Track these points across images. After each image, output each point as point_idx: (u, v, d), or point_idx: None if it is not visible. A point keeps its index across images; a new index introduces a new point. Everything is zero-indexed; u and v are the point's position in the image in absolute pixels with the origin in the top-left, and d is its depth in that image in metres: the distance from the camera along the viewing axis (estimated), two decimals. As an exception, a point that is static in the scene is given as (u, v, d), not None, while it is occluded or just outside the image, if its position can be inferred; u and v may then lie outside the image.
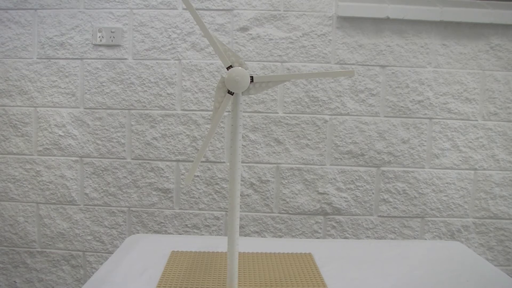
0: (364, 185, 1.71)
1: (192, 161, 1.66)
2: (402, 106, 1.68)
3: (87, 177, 1.73)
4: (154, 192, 1.73)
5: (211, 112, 1.69)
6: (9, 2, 1.68)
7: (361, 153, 1.69)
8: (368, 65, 1.67)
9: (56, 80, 1.71)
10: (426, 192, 1.70)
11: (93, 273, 1.69)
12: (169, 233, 1.74)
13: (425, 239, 1.72)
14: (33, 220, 1.76)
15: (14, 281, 1.78)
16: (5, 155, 1.74)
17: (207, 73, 1.68)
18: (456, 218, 1.72)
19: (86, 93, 1.70)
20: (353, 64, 1.67)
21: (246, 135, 1.70)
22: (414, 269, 1.02)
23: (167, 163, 1.71)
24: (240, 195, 1.60)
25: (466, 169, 1.70)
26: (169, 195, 1.73)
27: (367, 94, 1.67)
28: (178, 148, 1.71)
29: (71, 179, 1.74)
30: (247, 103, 1.68)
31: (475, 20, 1.62)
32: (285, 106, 1.68)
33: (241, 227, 1.73)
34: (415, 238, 1.73)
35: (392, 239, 1.72)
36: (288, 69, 1.67)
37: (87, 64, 1.70)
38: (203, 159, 1.71)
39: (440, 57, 1.66)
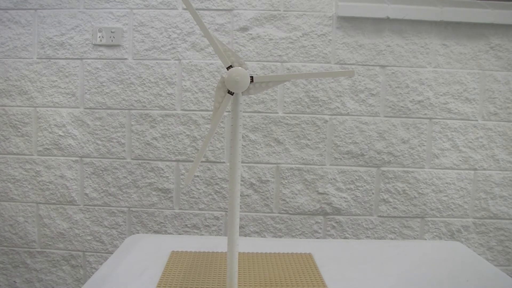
0: (364, 185, 1.71)
1: (192, 161, 1.66)
2: (402, 106, 1.68)
3: (87, 177, 1.73)
4: (154, 192, 1.73)
5: (211, 112, 1.69)
6: (9, 2, 1.68)
7: (361, 153, 1.69)
8: (368, 65, 1.67)
9: (56, 80, 1.71)
10: (426, 192, 1.70)
11: (93, 273, 1.69)
12: (169, 233, 1.74)
13: (425, 239, 1.72)
14: (33, 220, 1.76)
15: (14, 281, 1.78)
16: (5, 155, 1.74)
17: (207, 73, 1.68)
18: (456, 218, 1.72)
19: (86, 93, 1.70)
20: (353, 64, 1.67)
21: (246, 135, 1.70)
22: (414, 269, 1.02)
23: (167, 163, 1.71)
24: (240, 195, 1.60)
25: (466, 169, 1.70)
26: (169, 195, 1.73)
27: (367, 94, 1.67)
28: (178, 148, 1.71)
29: (71, 179, 1.74)
30: (247, 103, 1.68)
31: (475, 20, 1.62)
32: (285, 106, 1.68)
33: (241, 227, 1.73)
34: (415, 238, 1.73)
35: (392, 239, 1.72)
36: (288, 69, 1.67)
37: (87, 64, 1.70)
38: (203, 159, 1.71)
39: (440, 57, 1.66)
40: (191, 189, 1.72)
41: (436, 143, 1.69)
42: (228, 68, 0.79)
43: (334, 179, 1.70)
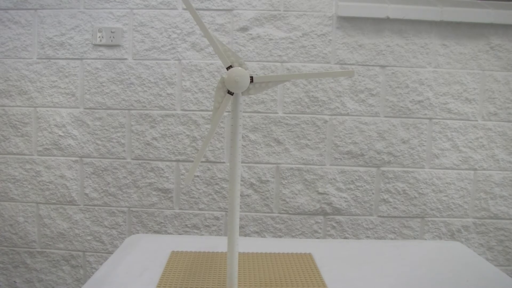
0: (364, 185, 1.71)
1: (192, 161, 1.66)
2: (402, 106, 1.68)
3: (87, 177, 1.73)
4: (154, 192, 1.73)
5: (211, 112, 1.69)
6: (9, 2, 1.68)
7: (361, 153, 1.69)
8: (368, 65, 1.67)
9: (56, 80, 1.71)
10: (426, 192, 1.70)
11: (93, 273, 1.69)
12: (169, 233, 1.74)
13: (425, 239, 1.72)
14: (33, 220, 1.76)
15: (14, 281, 1.78)
16: (5, 155, 1.74)
17: (207, 73, 1.68)
18: (456, 218, 1.72)
19: (86, 93, 1.70)
20: (353, 64, 1.67)
21: (246, 135, 1.70)
22: (414, 269, 1.02)
23: (167, 163, 1.71)
24: (240, 195, 1.60)
25: (466, 169, 1.70)
26: (169, 195, 1.73)
27: (367, 94, 1.67)
28: (178, 148, 1.71)
29: (71, 179, 1.74)
30: (247, 103, 1.68)
31: (475, 20, 1.62)
32: (285, 106, 1.68)
33: (241, 227, 1.73)
34: (415, 238, 1.73)
35: (392, 239, 1.72)
36: (288, 69, 1.67)
37: (87, 64, 1.70)
38: (203, 159, 1.71)
39: (440, 57, 1.66)
40: (191, 189, 1.72)
41: (436, 143, 1.69)
42: (228, 68, 0.79)
43: (334, 179, 1.70)
